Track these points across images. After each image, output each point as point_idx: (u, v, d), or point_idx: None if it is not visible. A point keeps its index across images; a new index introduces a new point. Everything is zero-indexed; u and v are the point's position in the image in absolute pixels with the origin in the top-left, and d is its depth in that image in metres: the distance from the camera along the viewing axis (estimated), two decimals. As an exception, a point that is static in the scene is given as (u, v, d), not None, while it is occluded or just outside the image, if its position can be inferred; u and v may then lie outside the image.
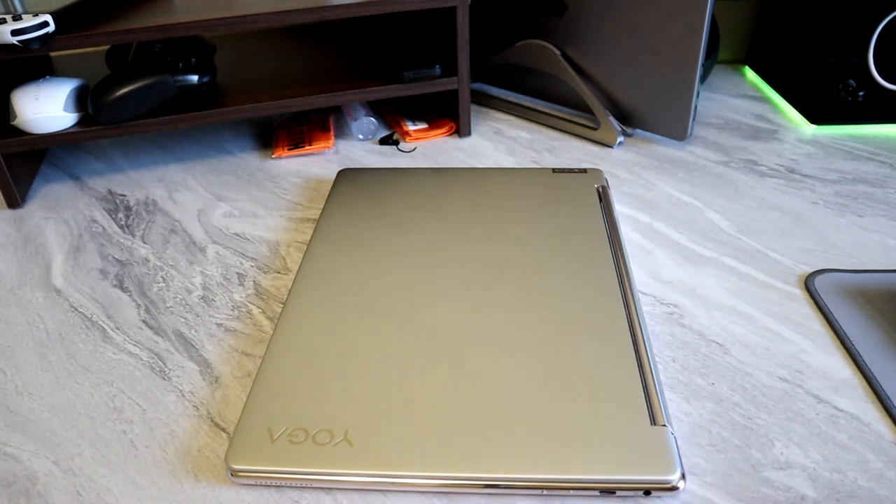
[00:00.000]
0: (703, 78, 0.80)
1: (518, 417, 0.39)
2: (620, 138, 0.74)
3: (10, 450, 0.41)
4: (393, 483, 0.37)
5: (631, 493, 0.37)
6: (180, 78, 0.68)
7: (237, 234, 0.62)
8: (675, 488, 0.36)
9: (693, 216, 0.62)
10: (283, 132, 0.78)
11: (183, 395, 0.45)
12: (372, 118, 0.77)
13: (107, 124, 0.66)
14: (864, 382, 0.44)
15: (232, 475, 0.38)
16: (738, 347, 0.47)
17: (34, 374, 0.47)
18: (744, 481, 0.38)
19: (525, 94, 0.85)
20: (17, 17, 0.58)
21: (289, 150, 0.74)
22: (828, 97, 0.81)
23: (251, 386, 0.42)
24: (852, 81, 0.80)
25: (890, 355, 0.45)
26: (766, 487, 0.38)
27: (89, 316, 0.52)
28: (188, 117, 0.68)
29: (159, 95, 0.67)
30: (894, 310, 0.49)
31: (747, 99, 0.85)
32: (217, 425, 0.43)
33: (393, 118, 0.81)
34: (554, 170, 0.65)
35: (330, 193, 0.62)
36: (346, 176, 0.65)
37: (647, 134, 0.76)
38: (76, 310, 0.53)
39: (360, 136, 0.78)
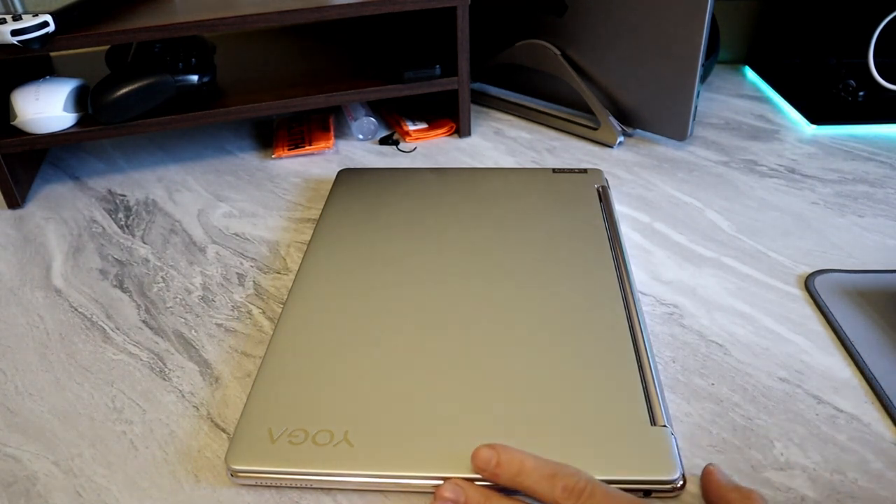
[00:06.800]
0: (703, 78, 0.80)
1: (518, 417, 0.39)
2: (620, 138, 0.74)
3: (10, 450, 0.41)
4: (393, 483, 0.37)
5: (631, 493, 0.37)
6: (180, 78, 0.68)
7: (237, 235, 0.61)
8: (675, 489, 0.36)
9: (693, 216, 0.62)
10: (283, 132, 0.78)
11: (183, 396, 0.45)
12: (372, 118, 0.77)
13: (107, 124, 0.66)
14: (864, 382, 0.44)
15: (232, 475, 0.38)
16: (738, 348, 0.47)
17: (34, 375, 0.47)
18: (744, 482, 0.38)
19: (525, 94, 0.85)
20: (17, 17, 0.58)
21: (289, 150, 0.74)
22: (828, 97, 0.81)
23: (251, 386, 0.42)
24: (852, 81, 0.80)
25: (890, 355, 0.45)
26: (766, 488, 0.38)
27: (89, 316, 0.52)
28: (188, 117, 0.68)
29: (159, 95, 0.67)
30: (894, 310, 0.49)
31: (747, 99, 0.85)
32: (217, 426, 0.43)
33: (393, 118, 0.81)
34: (554, 170, 0.65)
35: (330, 193, 0.62)
36: (346, 176, 0.65)
37: (647, 134, 0.76)
38: (76, 310, 0.53)
39: (360, 136, 0.78)
